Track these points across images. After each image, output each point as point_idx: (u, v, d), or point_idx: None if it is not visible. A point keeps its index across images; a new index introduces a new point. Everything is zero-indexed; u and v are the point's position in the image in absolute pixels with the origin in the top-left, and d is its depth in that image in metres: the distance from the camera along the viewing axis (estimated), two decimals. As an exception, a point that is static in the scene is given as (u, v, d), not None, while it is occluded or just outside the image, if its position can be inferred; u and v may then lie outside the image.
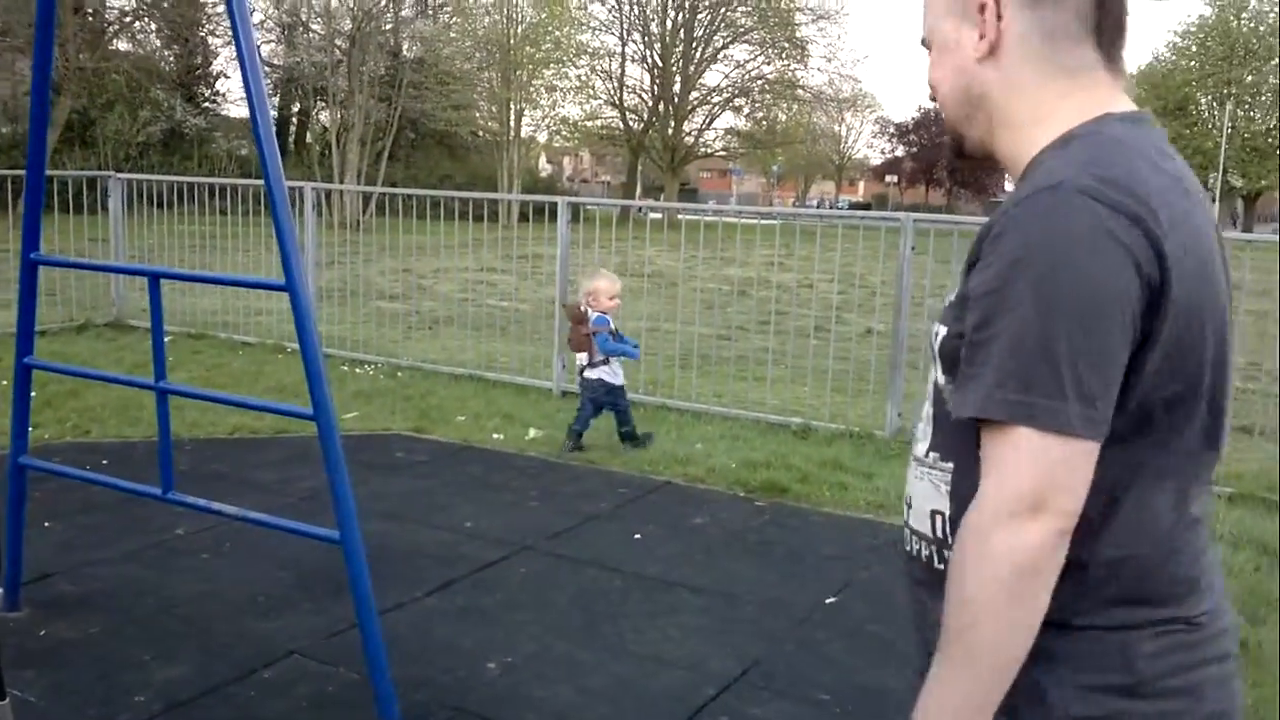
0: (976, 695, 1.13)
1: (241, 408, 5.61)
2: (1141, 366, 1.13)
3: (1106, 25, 1.26)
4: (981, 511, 1.13)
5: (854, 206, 53.89)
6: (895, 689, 3.39)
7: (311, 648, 3.52)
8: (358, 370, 8.09)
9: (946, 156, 1.41)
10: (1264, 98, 44.26)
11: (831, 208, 52.31)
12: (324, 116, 33.69)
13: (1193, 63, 45.80)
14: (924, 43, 1.38)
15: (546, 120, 41.02)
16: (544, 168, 55.24)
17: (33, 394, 3.79)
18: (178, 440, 5.59)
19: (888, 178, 60.28)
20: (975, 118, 1.32)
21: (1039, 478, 1.09)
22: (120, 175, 9.94)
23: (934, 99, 1.38)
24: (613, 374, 6.08)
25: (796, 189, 69.82)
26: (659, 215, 21.69)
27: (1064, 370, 1.09)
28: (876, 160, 65.26)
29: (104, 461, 5.31)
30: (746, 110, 44.37)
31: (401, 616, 3.78)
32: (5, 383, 3.89)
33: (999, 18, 1.26)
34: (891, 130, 60.70)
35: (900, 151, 60.36)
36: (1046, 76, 1.26)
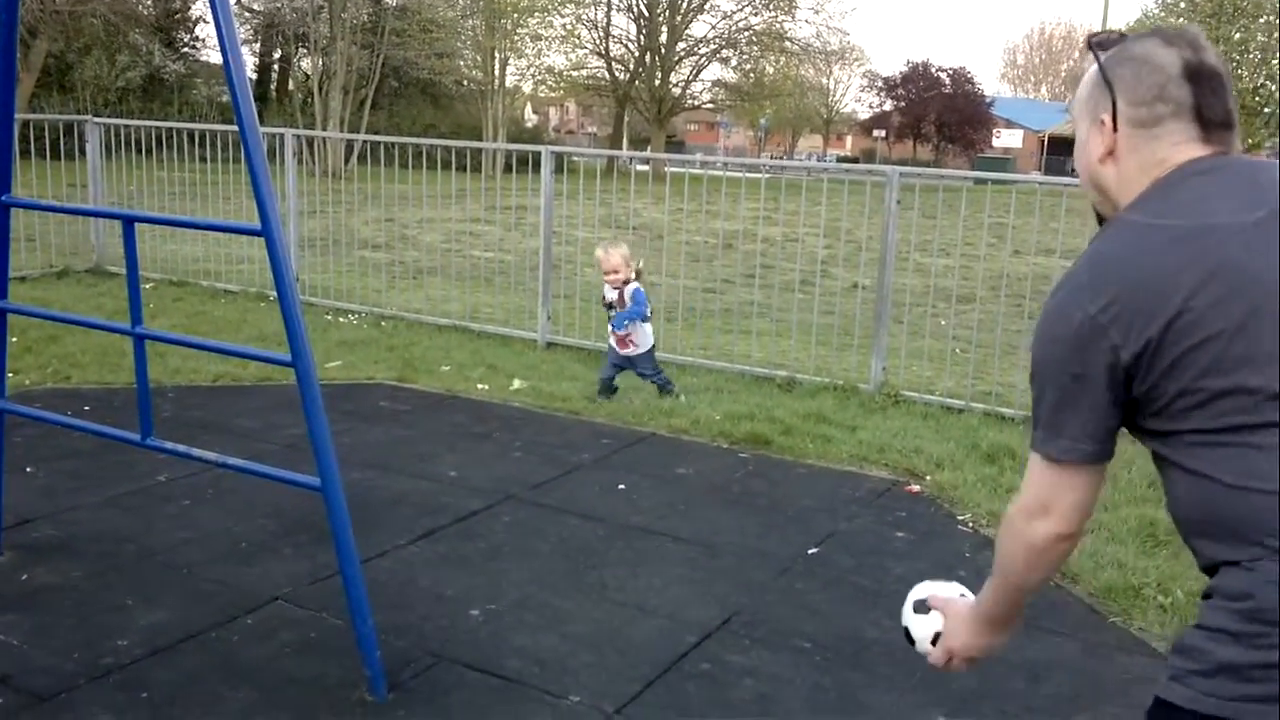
0: (1000, 601, 1.69)
1: (222, 354, 5.58)
2: (1155, 384, 1.44)
3: (1211, 121, 1.54)
4: (1015, 506, 1.59)
5: (841, 161, 53.59)
6: (875, 638, 3.43)
7: (294, 594, 3.53)
8: (341, 320, 8.04)
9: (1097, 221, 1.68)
10: (1251, 55, 44.10)
11: (818, 160, 52.02)
12: (305, 64, 33.18)
13: (1180, 19, 45.51)
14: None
15: (531, 70, 40.50)
16: (529, 118, 54.68)
17: (12, 340, 3.76)
18: (160, 388, 5.57)
19: (875, 132, 59.93)
20: (1104, 203, 1.63)
21: (1041, 492, 1.55)
22: (98, 120, 9.77)
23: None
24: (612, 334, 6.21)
25: (784, 143, 69.41)
26: (645, 167, 21.54)
27: (1044, 416, 1.53)
28: (864, 114, 64.88)
29: (85, 408, 5.27)
30: (734, 62, 43.90)
31: (384, 564, 3.79)
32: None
33: (1114, 129, 1.57)
34: (879, 84, 60.23)
35: (888, 106, 59.97)
36: (1146, 165, 1.55)
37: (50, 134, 10.04)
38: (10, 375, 3.83)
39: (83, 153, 9.66)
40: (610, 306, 6.16)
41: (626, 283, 6.05)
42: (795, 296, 8.09)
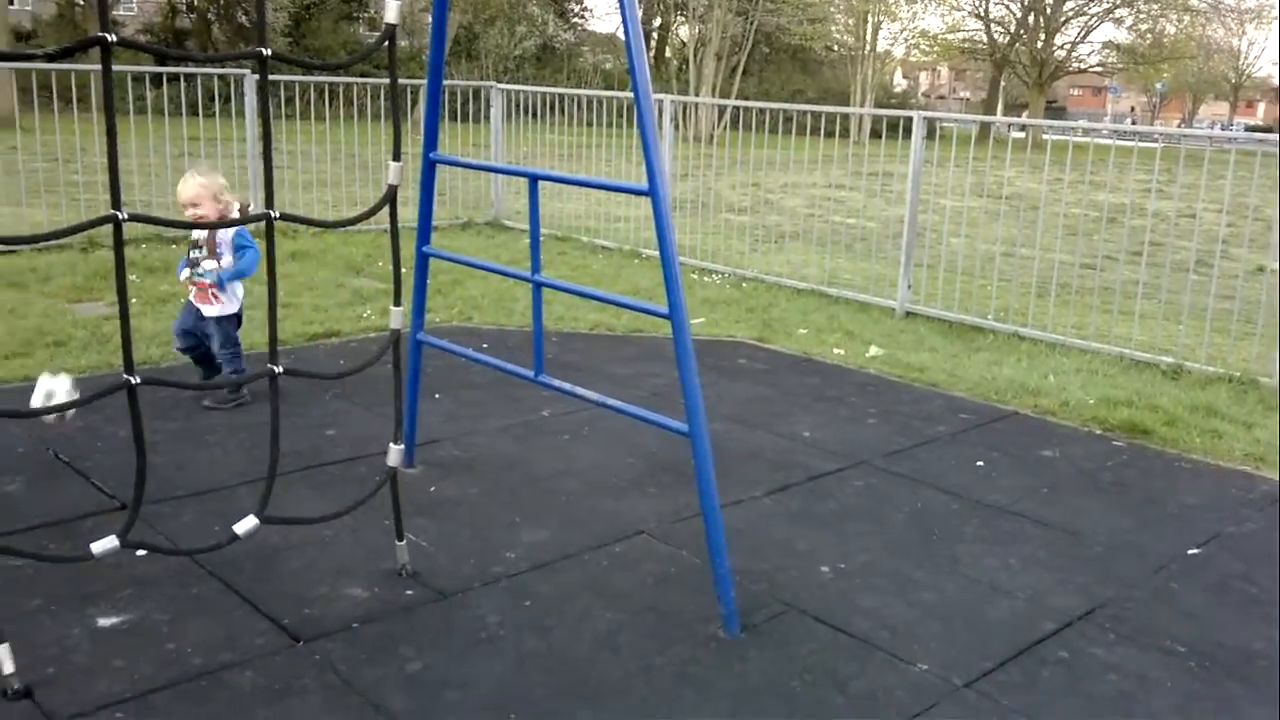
0: None
1: (603, 303, 5.97)
2: None
3: None
4: None
5: (1251, 130, 47.64)
6: (1262, 650, 3.13)
7: (658, 530, 3.76)
8: (706, 279, 8.34)
9: None
10: None
11: (1223, 129, 46.56)
12: (683, 31, 34.33)
13: None
14: None
15: (904, 33, 39.41)
16: (898, 83, 53.19)
17: (427, 281, 4.25)
18: (545, 332, 6.08)
19: (1297, 98, 52.73)
20: None
21: None
22: (501, 86, 10.71)
23: None
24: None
25: (1183, 109, 62.81)
26: (1021, 134, 20.37)
27: None
28: (1284, 78, 57.21)
29: (483, 345, 5.87)
30: (1129, 22, 40.24)
31: (739, 512, 3.94)
32: (404, 270, 4.37)
33: None
34: (1308, 43, 52.78)
35: (1316, 68, 52.44)
36: None
37: (460, 97, 11.15)
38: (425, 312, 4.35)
39: (486, 116, 10.65)
40: (196, 247, 4.87)
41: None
42: (1188, 277, 7.38)
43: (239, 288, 4.93)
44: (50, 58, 2.73)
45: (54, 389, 3.79)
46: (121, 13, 33.56)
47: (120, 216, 2.68)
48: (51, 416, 3.91)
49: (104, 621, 2.97)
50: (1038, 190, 10.16)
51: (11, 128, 11.59)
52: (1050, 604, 3.37)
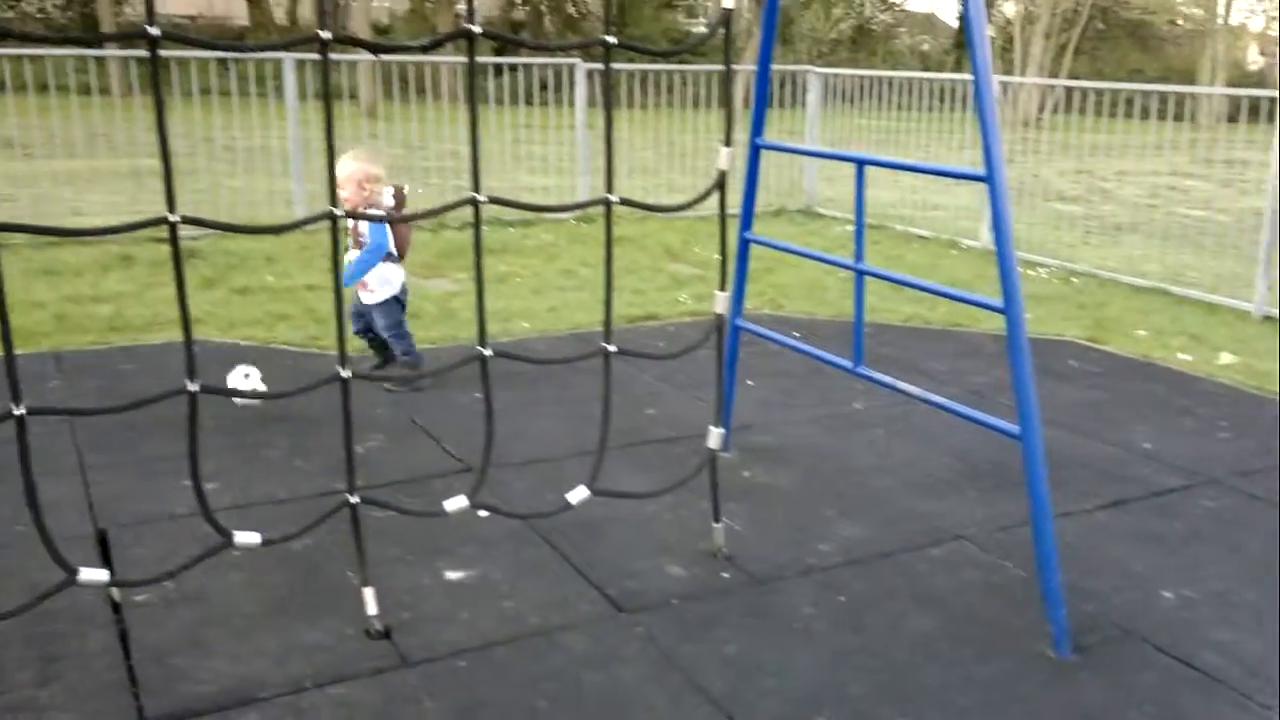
0: None
1: (922, 293, 5.81)
2: None
3: None
4: None
5: None
6: None
7: (978, 536, 3.61)
8: (1029, 272, 7.89)
9: None
10: None
11: None
12: (1007, 8, 32.60)
13: None
14: None
15: (1264, 3, 35.37)
16: (1254, 60, 47.80)
17: (748, 267, 4.28)
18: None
19: None
20: None
21: None
22: (819, 70, 10.61)
23: None
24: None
25: None
26: None
27: None
28: None
29: (794, 333, 5.87)
30: None
31: (1069, 525, 3.70)
32: (716, 256, 4.44)
33: None
34: None
35: None
36: None
37: (775, 83, 11.15)
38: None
39: (798, 101, 10.59)
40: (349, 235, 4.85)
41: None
42: None
43: (390, 273, 4.86)
44: (424, 49, 2.99)
45: (250, 371, 4.58)
46: (461, 6, 36.26)
47: (479, 199, 2.90)
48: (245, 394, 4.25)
49: (451, 575, 3.24)
50: None
51: (374, 116, 12.82)
52: None
